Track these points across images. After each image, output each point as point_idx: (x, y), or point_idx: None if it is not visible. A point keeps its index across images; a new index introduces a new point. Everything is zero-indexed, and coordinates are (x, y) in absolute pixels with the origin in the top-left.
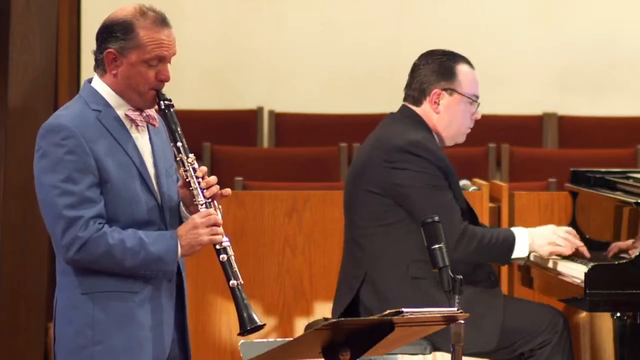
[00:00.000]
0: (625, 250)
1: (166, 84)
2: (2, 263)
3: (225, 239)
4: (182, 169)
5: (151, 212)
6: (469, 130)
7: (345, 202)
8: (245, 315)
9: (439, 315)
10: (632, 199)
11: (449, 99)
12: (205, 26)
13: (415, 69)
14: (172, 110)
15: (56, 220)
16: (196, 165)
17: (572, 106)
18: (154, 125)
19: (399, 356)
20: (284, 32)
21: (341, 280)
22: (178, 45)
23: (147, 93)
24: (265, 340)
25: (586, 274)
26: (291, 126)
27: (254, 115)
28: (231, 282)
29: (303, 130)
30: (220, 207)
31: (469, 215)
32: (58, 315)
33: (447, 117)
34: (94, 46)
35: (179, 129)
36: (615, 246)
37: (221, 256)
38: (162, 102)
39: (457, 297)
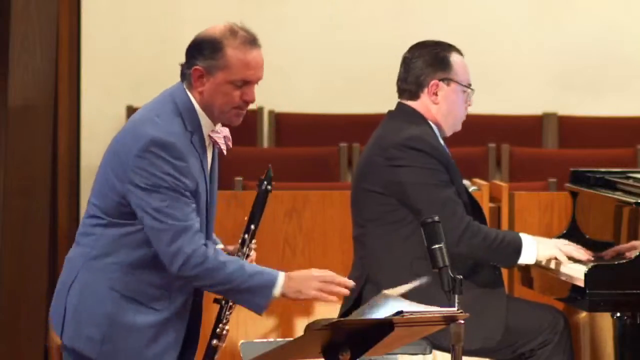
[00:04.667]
0: (625, 251)
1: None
2: (2, 263)
3: (226, 328)
4: (239, 247)
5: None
6: (464, 119)
7: (351, 203)
8: None
9: (439, 315)
10: (632, 199)
11: (447, 89)
12: (205, 27)
13: (407, 62)
14: (269, 194)
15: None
16: (253, 254)
17: (572, 106)
18: (228, 146)
19: (399, 356)
20: (284, 32)
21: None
22: (179, 47)
23: (230, 112)
24: (265, 340)
25: (586, 274)
26: (291, 126)
27: (254, 115)
28: None
29: (303, 130)
30: None
31: (477, 214)
32: (77, 285)
33: (445, 107)
34: (94, 46)
35: (261, 214)
36: (615, 247)
37: (213, 341)
38: (265, 184)
39: (457, 297)
